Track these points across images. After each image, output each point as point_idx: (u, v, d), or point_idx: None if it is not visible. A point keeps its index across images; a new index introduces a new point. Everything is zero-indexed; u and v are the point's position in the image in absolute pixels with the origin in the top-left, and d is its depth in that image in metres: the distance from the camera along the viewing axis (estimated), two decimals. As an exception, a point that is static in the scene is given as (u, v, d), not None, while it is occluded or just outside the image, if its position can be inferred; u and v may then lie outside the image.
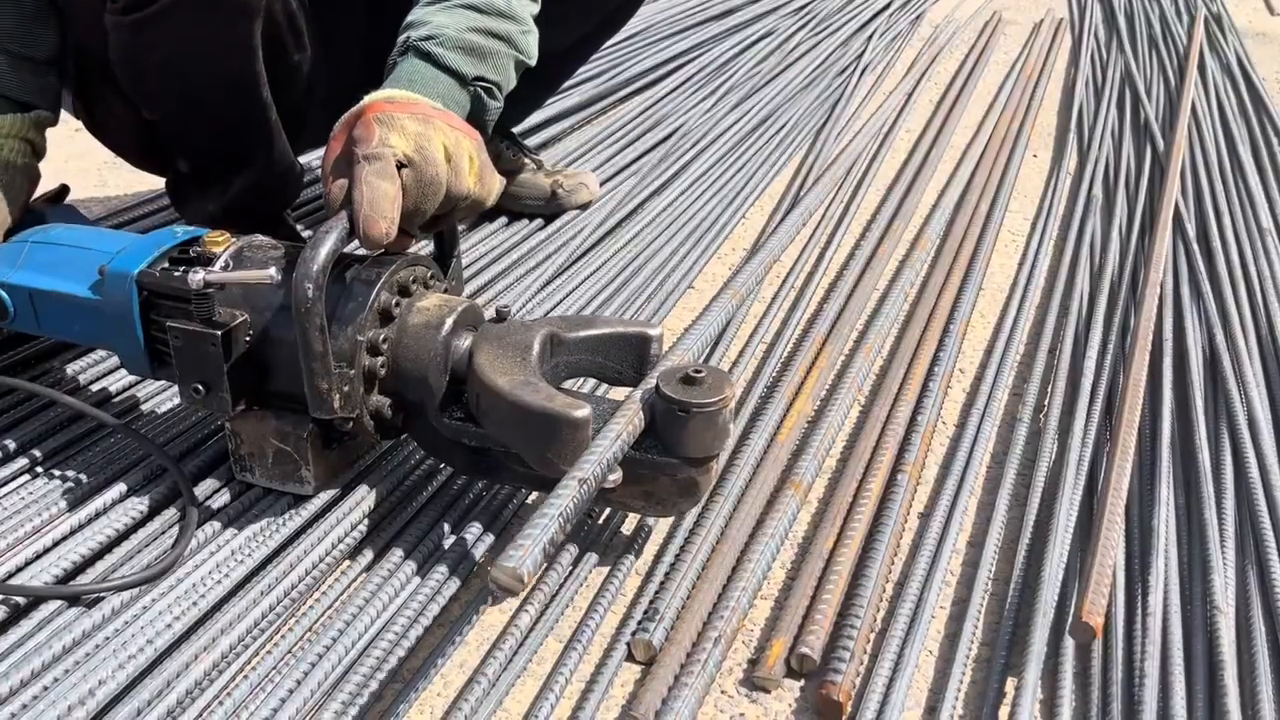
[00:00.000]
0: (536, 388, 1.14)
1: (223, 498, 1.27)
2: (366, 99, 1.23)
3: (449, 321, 1.21)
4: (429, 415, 1.23)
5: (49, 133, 1.48)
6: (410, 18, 1.38)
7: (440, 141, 1.19)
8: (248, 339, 1.19)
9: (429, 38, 1.33)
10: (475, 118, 1.38)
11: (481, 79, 1.37)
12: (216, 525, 1.23)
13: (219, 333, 1.17)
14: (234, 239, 1.23)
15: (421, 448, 1.35)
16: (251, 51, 1.47)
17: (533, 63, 1.47)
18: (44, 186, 1.48)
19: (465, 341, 1.22)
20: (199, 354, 1.18)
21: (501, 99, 1.42)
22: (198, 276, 1.16)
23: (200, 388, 1.20)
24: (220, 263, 1.20)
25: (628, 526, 1.31)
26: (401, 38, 1.35)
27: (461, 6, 1.39)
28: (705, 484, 1.18)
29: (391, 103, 1.21)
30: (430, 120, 1.20)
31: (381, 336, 1.20)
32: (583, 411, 1.11)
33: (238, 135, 1.57)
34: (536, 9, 1.49)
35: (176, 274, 1.20)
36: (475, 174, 1.23)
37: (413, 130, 1.18)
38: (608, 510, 1.33)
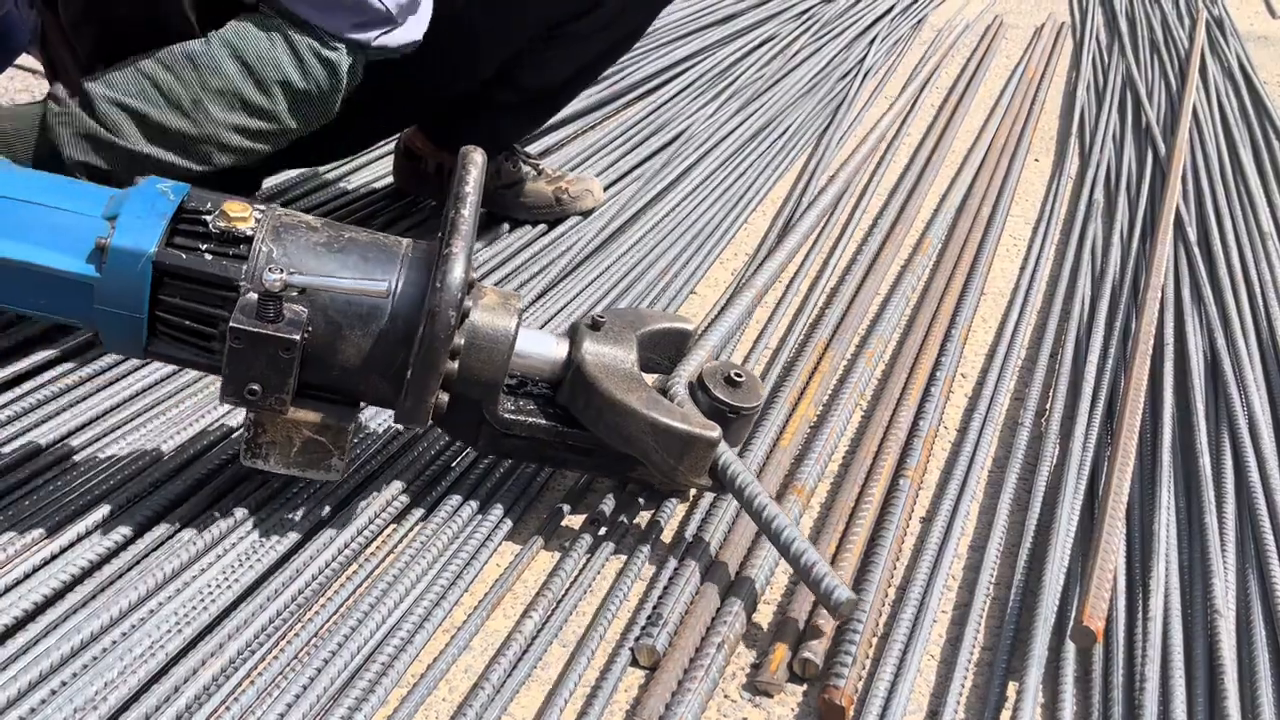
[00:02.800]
0: (669, 408, 1.24)
1: (229, 502, 1.28)
2: None
3: (515, 324, 1.20)
4: (485, 409, 1.25)
5: None
6: None
7: None
8: (306, 335, 1.11)
9: None
10: None
11: None
12: (221, 527, 1.23)
13: (298, 338, 1.07)
14: (256, 209, 1.12)
15: (442, 429, 1.35)
16: None
17: None
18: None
19: (560, 349, 1.26)
20: (264, 357, 1.08)
21: None
22: (275, 277, 1.06)
23: (256, 389, 1.10)
24: (260, 243, 1.10)
25: (632, 532, 1.32)
26: None
27: None
28: None
29: None
30: None
31: (462, 340, 1.16)
32: (717, 432, 1.23)
33: None
34: None
35: (209, 257, 1.09)
36: None
37: None
38: (609, 513, 1.33)
